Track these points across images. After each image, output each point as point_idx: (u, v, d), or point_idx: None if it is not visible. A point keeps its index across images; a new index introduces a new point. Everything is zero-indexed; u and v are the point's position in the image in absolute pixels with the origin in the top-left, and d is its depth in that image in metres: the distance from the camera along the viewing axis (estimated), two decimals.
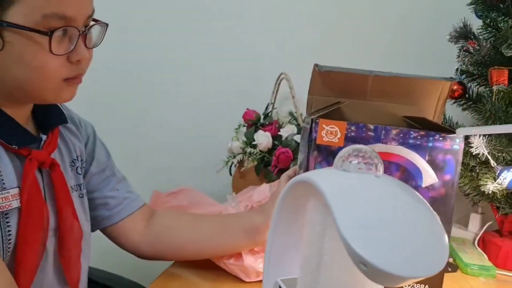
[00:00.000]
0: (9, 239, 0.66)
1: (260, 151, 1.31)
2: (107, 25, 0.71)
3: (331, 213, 0.40)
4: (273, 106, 1.43)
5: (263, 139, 1.30)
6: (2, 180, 0.66)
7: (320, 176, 0.44)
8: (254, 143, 1.31)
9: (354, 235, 0.38)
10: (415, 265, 0.38)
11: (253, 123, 1.36)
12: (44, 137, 0.75)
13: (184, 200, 1.18)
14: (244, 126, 1.38)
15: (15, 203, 0.67)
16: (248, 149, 1.31)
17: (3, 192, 0.65)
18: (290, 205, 0.52)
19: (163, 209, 1.04)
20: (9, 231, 0.66)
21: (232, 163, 1.37)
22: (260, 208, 0.91)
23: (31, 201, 0.68)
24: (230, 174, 1.39)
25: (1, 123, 0.68)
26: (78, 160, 0.83)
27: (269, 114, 1.39)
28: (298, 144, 1.28)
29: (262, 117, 1.38)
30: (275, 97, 1.43)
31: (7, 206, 0.65)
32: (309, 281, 0.46)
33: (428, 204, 0.43)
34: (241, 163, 1.35)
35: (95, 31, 0.70)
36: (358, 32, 1.46)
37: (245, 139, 1.34)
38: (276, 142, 1.31)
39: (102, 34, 0.71)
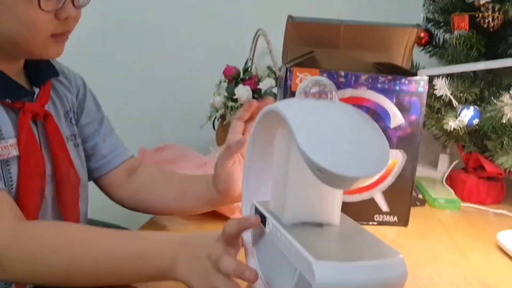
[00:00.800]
0: (11, 186, 0.71)
1: (241, 104, 1.37)
2: None
3: (291, 130, 0.45)
4: (252, 61, 1.48)
5: (243, 93, 1.35)
6: (1, 130, 0.70)
7: (283, 103, 0.52)
8: (235, 97, 1.37)
9: (310, 146, 0.44)
10: (363, 167, 0.44)
11: (233, 78, 1.41)
12: (37, 90, 0.78)
13: (169, 155, 1.24)
14: (224, 81, 1.43)
15: (14, 152, 0.71)
16: (230, 103, 1.37)
17: (1, 141, 0.70)
18: (263, 134, 0.58)
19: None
20: (10, 178, 0.71)
21: (215, 117, 1.43)
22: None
23: (27, 149, 0.72)
24: (214, 129, 1.46)
25: None
26: (71, 111, 0.87)
27: (248, 69, 1.44)
28: (276, 96, 1.34)
29: (241, 72, 1.43)
30: (254, 53, 1.48)
31: (7, 155, 0.70)
32: (278, 198, 0.53)
33: (372, 120, 0.50)
34: (223, 117, 1.41)
35: None
36: None
37: (226, 94, 1.40)
38: (256, 95, 1.37)
39: None
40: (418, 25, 0.99)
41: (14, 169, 0.71)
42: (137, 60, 1.62)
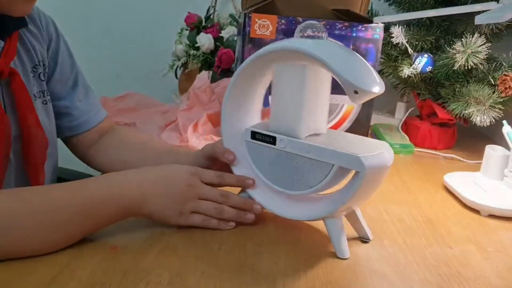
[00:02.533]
0: None
1: (203, 53, 1.36)
2: None
3: (326, 64, 0.56)
4: (214, 9, 1.47)
5: (205, 41, 1.35)
6: None
7: (296, 42, 0.60)
8: (197, 45, 1.36)
9: (348, 73, 0.56)
10: (381, 83, 0.57)
11: (195, 26, 1.40)
12: (1, 43, 0.70)
13: (131, 102, 1.24)
14: (186, 29, 1.42)
15: None
16: (192, 52, 1.37)
17: None
18: (252, 72, 0.66)
19: (112, 113, 1.05)
20: None
21: (177, 66, 1.42)
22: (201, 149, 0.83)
23: None
24: (176, 78, 1.45)
25: None
26: (40, 65, 0.79)
27: (210, 16, 1.43)
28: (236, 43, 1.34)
29: (203, 20, 1.42)
30: (215, 0, 1.46)
31: None
32: (292, 119, 0.64)
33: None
34: (185, 65, 1.41)
35: None
36: None
37: (188, 42, 1.39)
38: (218, 44, 1.37)
39: None
40: None
41: None
42: (97, 10, 1.57)
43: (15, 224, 0.55)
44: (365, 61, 0.60)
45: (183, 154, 0.82)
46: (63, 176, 0.93)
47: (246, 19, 0.91)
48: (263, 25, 0.92)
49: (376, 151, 0.61)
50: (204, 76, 1.09)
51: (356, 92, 0.57)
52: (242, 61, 0.94)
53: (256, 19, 0.91)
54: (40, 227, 0.56)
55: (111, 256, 0.58)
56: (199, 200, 0.65)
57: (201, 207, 0.65)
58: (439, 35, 1.15)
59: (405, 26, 1.09)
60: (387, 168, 0.61)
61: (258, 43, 0.92)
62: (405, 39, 1.07)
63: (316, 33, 0.64)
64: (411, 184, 0.95)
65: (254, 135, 0.67)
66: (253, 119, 0.71)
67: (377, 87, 0.57)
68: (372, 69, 0.60)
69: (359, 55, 0.60)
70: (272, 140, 0.65)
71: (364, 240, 0.68)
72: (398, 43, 1.09)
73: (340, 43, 0.67)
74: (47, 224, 0.56)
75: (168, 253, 0.60)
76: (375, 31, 0.94)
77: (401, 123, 1.31)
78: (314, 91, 0.63)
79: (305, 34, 0.64)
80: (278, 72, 0.64)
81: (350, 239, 0.67)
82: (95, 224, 0.60)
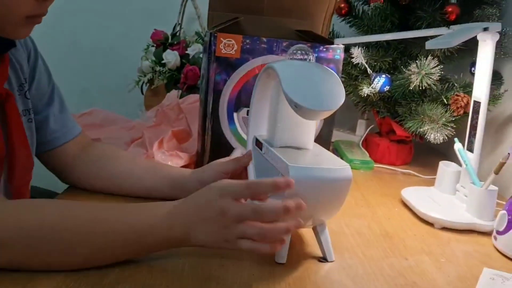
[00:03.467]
0: None
1: (169, 69, 1.38)
2: None
3: (279, 79, 0.65)
4: (180, 26, 1.49)
5: (171, 57, 1.36)
6: None
7: (277, 63, 0.71)
8: (163, 62, 1.38)
9: (290, 89, 0.64)
10: (325, 104, 0.65)
11: (162, 43, 1.42)
12: None
13: (96, 119, 1.23)
14: (153, 46, 1.43)
15: None
16: (158, 68, 1.38)
17: None
18: (262, 86, 0.77)
19: None
20: None
21: (143, 82, 1.43)
22: (194, 171, 0.85)
23: None
24: (142, 93, 1.46)
25: None
26: (26, 83, 0.79)
27: (177, 34, 1.45)
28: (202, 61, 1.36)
29: (170, 37, 1.44)
30: (182, 18, 1.49)
31: None
32: (271, 129, 0.75)
33: (335, 74, 0.70)
34: (151, 81, 1.42)
35: None
36: None
37: (154, 58, 1.40)
38: (184, 61, 1.39)
39: None
40: None
41: None
42: (64, 24, 1.56)
43: (61, 236, 0.57)
44: (334, 82, 0.65)
45: (176, 170, 0.86)
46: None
47: (212, 38, 0.93)
48: (228, 45, 0.94)
49: (319, 165, 0.66)
50: (173, 94, 1.11)
51: (296, 106, 0.64)
52: (207, 79, 0.96)
53: (222, 38, 0.93)
54: (85, 244, 0.57)
55: (76, 271, 0.58)
56: (238, 224, 0.58)
57: (244, 232, 0.58)
58: (396, 56, 1.21)
59: (364, 47, 1.14)
60: (318, 183, 0.63)
61: (224, 62, 0.94)
62: (365, 59, 1.12)
63: (303, 55, 0.72)
64: (371, 199, 0.99)
65: (257, 142, 0.77)
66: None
67: (318, 105, 0.64)
68: (334, 89, 0.65)
69: (332, 75, 0.67)
70: (260, 147, 0.75)
71: (322, 260, 0.69)
72: (358, 63, 1.14)
73: (321, 65, 0.73)
74: (93, 242, 0.58)
75: (133, 268, 0.61)
76: (336, 52, 0.98)
77: (361, 140, 1.36)
78: (287, 107, 0.68)
79: (294, 56, 0.72)
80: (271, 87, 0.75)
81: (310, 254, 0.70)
82: (140, 251, 0.61)
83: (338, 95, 0.66)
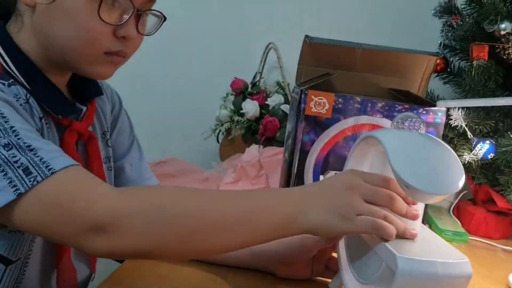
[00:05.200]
0: None
1: (248, 119, 1.34)
2: (164, 18, 0.70)
3: (387, 154, 0.58)
4: (260, 75, 1.46)
5: (250, 107, 1.33)
6: None
7: (380, 132, 0.64)
8: (242, 111, 1.34)
9: (401, 167, 0.56)
10: (440, 186, 0.56)
11: (241, 91, 1.39)
12: (84, 108, 0.72)
13: (170, 169, 1.22)
14: (232, 94, 1.40)
15: None
16: (236, 118, 1.34)
17: None
18: (359, 152, 0.70)
19: None
20: None
21: (220, 131, 1.40)
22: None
23: None
24: (218, 142, 1.43)
25: (48, 92, 0.66)
26: (108, 132, 0.81)
27: (257, 83, 1.42)
28: (285, 113, 1.31)
29: (250, 86, 1.41)
30: (263, 67, 1.46)
31: None
32: None
33: (451, 150, 0.61)
34: (228, 131, 1.38)
35: (151, 20, 0.69)
36: (346, 4, 1.47)
37: (233, 107, 1.37)
38: (263, 111, 1.34)
39: (157, 25, 0.70)
40: (437, 54, 0.97)
41: None
42: (142, 68, 1.58)
43: (198, 220, 0.55)
44: (451, 160, 0.57)
45: None
46: None
47: (302, 95, 0.87)
48: (319, 103, 0.88)
49: (433, 257, 0.56)
50: (253, 150, 1.06)
51: (407, 187, 0.56)
52: (294, 138, 0.90)
53: (313, 96, 0.87)
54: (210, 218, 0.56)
55: None
56: (364, 202, 0.57)
57: (367, 210, 0.56)
58: (498, 118, 1.10)
59: (464, 109, 1.04)
60: (432, 279, 0.54)
61: (313, 121, 0.88)
62: (464, 122, 1.02)
63: (412, 125, 0.64)
64: (472, 281, 0.86)
65: None
66: None
67: (433, 188, 0.55)
68: (452, 169, 0.55)
69: (449, 152, 0.59)
70: None
71: None
72: (457, 125, 1.04)
73: (434, 138, 0.64)
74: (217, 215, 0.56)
75: None
76: (437, 115, 0.89)
77: (452, 207, 1.24)
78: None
79: (400, 126, 0.64)
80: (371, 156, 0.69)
81: None
82: (254, 233, 0.58)
83: (456, 176, 0.57)
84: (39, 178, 0.53)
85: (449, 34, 1.15)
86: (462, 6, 1.15)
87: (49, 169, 0.53)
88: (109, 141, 0.81)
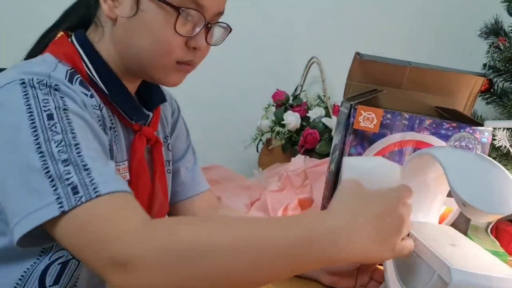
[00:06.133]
0: None
1: (289, 130, 1.37)
2: (230, 29, 0.74)
3: (445, 172, 0.61)
4: (301, 88, 1.49)
5: (292, 119, 1.36)
6: (118, 153, 0.70)
7: (437, 150, 0.67)
8: (283, 122, 1.37)
9: (459, 186, 0.59)
10: (496, 205, 0.58)
11: (282, 103, 1.42)
12: (150, 114, 0.77)
13: (215, 175, 1.25)
14: (273, 105, 1.44)
15: (127, 176, 0.70)
16: (277, 128, 1.38)
17: (121, 163, 0.69)
18: (413, 169, 0.72)
19: None
20: None
21: (260, 140, 1.43)
22: None
23: (139, 176, 0.71)
24: (257, 151, 1.46)
25: (125, 99, 0.71)
26: (169, 136, 0.85)
27: (298, 95, 1.45)
28: (325, 126, 1.34)
29: (291, 98, 1.44)
30: (305, 80, 1.49)
31: (124, 177, 0.69)
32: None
33: (505, 171, 0.63)
34: (268, 141, 1.42)
35: (217, 31, 0.73)
36: (392, 23, 1.50)
37: (274, 118, 1.41)
38: (304, 123, 1.37)
39: (224, 36, 0.74)
40: (485, 74, 0.98)
41: None
42: (188, 77, 1.63)
43: (219, 252, 0.50)
44: (505, 180, 0.57)
45: None
46: None
47: (351, 110, 0.90)
48: (367, 118, 0.90)
49: (485, 271, 0.57)
50: (300, 160, 1.09)
51: (464, 205, 0.59)
52: (342, 151, 0.92)
53: (362, 111, 0.90)
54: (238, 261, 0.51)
55: None
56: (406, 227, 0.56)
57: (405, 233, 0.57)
58: None
59: (509, 129, 1.05)
60: None
61: (361, 135, 0.90)
62: (509, 143, 1.03)
63: (466, 144, 0.67)
64: None
65: None
66: (419, 217, 0.75)
67: (490, 208, 0.58)
68: (507, 189, 0.57)
69: (503, 173, 0.60)
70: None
71: None
72: (501, 146, 1.05)
73: (489, 159, 0.66)
74: (252, 258, 0.51)
75: None
76: (484, 134, 0.91)
77: (491, 226, 1.24)
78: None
79: (456, 144, 0.68)
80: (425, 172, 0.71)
81: None
82: (296, 267, 0.53)
83: (510, 196, 0.59)
84: (83, 199, 0.53)
85: (495, 55, 1.16)
86: (510, 28, 1.16)
87: (96, 191, 0.53)
88: (169, 145, 0.84)
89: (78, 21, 0.74)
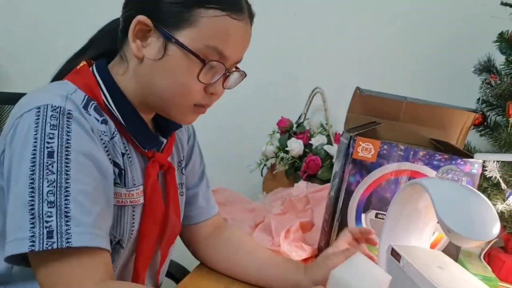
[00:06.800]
0: (132, 230, 0.75)
1: (292, 156, 1.44)
2: (245, 75, 0.79)
3: (432, 201, 0.67)
4: (305, 116, 1.56)
5: (295, 146, 1.43)
6: (133, 177, 0.74)
7: (426, 180, 0.74)
8: (286, 149, 1.44)
9: (444, 214, 0.66)
10: (479, 233, 0.65)
11: (287, 130, 1.49)
12: (164, 140, 0.81)
13: (221, 197, 1.31)
14: (278, 132, 1.51)
15: (141, 199, 0.75)
16: (281, 154, 1.44)
17: (134, 188, 0.73)
18: (404, 197, 0.80)
19: None
20: (133, 223, 0.74)
21: (265, 165, 1.50)
22: (307, 268, 0.86)
23: (152, 200, 0.75)
24: (261, 175, 1.52)
25: (139, 129, 0.75)
26: (183, 160, 0.89)
27: (302, 123, 1.52)
28: (327, 153, 1.41)
29: (295, 125, 1.51)
30: (308, 108, 1.56)
31: (137, 201, 0.74)
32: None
33: (485, 198, 0.71)
34: (272, 166, 1.48)
35: (234, 76, 0.77)
36: (391, 59, 1.56)
37: (278, 144, 1.47)
38: (306, 150, 1.44)
39: (239, 80, 0.79)
40: (476, 111, 1.05)
41: (137, 215, 0.75)
42: None
43: None
44: (488, 209, 0.65)
45: (292, 268, 0.86)
46: None
47: (351, 141, 0.97)
48: (366, 148, 0.97)
49: None
50: (302, 186, 1.15)
51: (449, 232, 0.65)
52: (341, 179, 0.99)
53: (360, 142, 0.97)
54: None
55: None
56: None
57: None
58: None
59: (499, 161, 1.11)
60: None
61: (359, 164, 0.97)
62: (499, 174, 1.09)
63: (453, 176, 0.74)
64: None
65: (393, 251, 0.78)
66: (411, 241, 0.81)
67: (473, 234, 0.64)
68: (488, 217, 0.64)
69: (486, 202, 0.67)
70: (398, 258, 0.75)
71: None
72: (491, 176, 1.11)
73: (474, 190, 0.74)
74: None
75: None
76: (474, 166, 0.97)
77: (483, 253, 1.29)
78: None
79: (444, 176, 0.75)
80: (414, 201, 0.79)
81: None
82: None
83: (493, 224, 0.66)
84: (55, 246, 0.58)
85: (488, 91, 1.23)
86: (501, 66, 1.23)
87: (68, 242, 0.59)
88: (183, 169, 0.89)
89: (102, 50, 0.78)
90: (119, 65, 0.76)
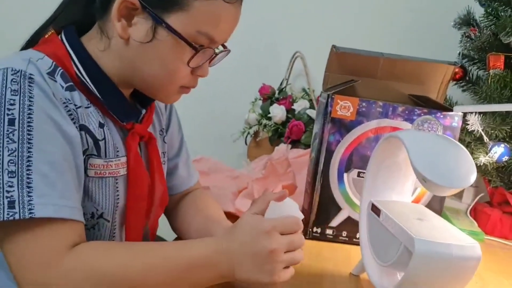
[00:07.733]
0: (118, 203, 0.73)
1: (275, 123, 1.42)
2: (229, 51, 0.77)
3: (407, 152, 0.66)
4: (287, 82, 1.54)
5: (278, 112, 1.41)
6: (117, 148, 0.72)
7: (402, 133, 0.72)
8: (269, 115, 1.42)
9: (419, 163, 0.64)
10: (455, 180, 0.63)
11: (269, 97, 1.47)
12: (143, 111, 0.79)
13: (204, 167, 1.30)
14: (260, 99, 1.49)
15: (123, 171, 0.73)
16: (264, 121, 1.43)
17: (114, 159, 0.71)
18: (382, 152, 0.79)
19: None
20: (117, 195, 0.72)
21: (248, 133, 1.49)
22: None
23: (135, 171, 0.73)
24: (246, 144, 1.51)
25: (117, 103, 0.72)
26: (164, 129, 0.88)
27: (284, 89, 1.50)
28: (310, 117, 1.39)
29: (277, 92, 1.49)
30: (289, 74, 1.54)
31: (117, 173, 0.72)
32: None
33: (464, 148, 0.69)
34: (256, 133, 1.47)
35: (219, 55, 0.75)
36: (370, 16, 1.55)
37: (261, 111, 1.46)
38: (289, 115, 1.42)
39: (223, 57, 0.77)
40: (455, 63, 1.03)
41: (121, 188, 0.73)
42: None
43: (129, 275, 0.60)
44: (464, 158, 0.64)
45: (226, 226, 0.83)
46: None
47: (329, 100, 0.95)
48: (344, 106, 0.96)
49: (446, 240, 0.63)
50: (282, 149, 1.14)
51: (424, 181, 0.64)
52: (321, 139, 0.98)
53: (339, 100, 0.95)
54: (151, 281, 0.61)
55: None
56: (284, 255, 0.64)
57: (288, 261, 0.65)
58: None
59: (481, 114, 1.11)
60: (445, 260, 0.62)
61: (338, 123, 0.96)
62: (481, 127, 1.08)
63: (431, 127, 0.72)
64: (487, 277, 0.93)
65: (373, 207, 0.77)
66: (392, 196, 0.81)
67: (448, 182, 0.63)
68: (465, 165, 0.63)
69: (463, 151, 0.66)
70: (378, 213, 0.75)
71: None
72: (474, 130, 1.10)
73: (450, 139, 0.71)
74: (157, 279, 0.61)
75: None
76: (454, 119, 0.96)
77: (469, 209, 1.30)
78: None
79: (420, 127, 0.73)
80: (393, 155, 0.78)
81: None
82: (192, 282, 0.64)
83: (469, 172, 0.65)
84: (17, 216, 0.57)
85: (468, 44, 1.21)
86: (480, 19, 1.21)
87: (30, 213, 0.57)
88: (165, 137, 0.87)
89: (74, 19, 0.73)
90: (98, 40, 0.71)
